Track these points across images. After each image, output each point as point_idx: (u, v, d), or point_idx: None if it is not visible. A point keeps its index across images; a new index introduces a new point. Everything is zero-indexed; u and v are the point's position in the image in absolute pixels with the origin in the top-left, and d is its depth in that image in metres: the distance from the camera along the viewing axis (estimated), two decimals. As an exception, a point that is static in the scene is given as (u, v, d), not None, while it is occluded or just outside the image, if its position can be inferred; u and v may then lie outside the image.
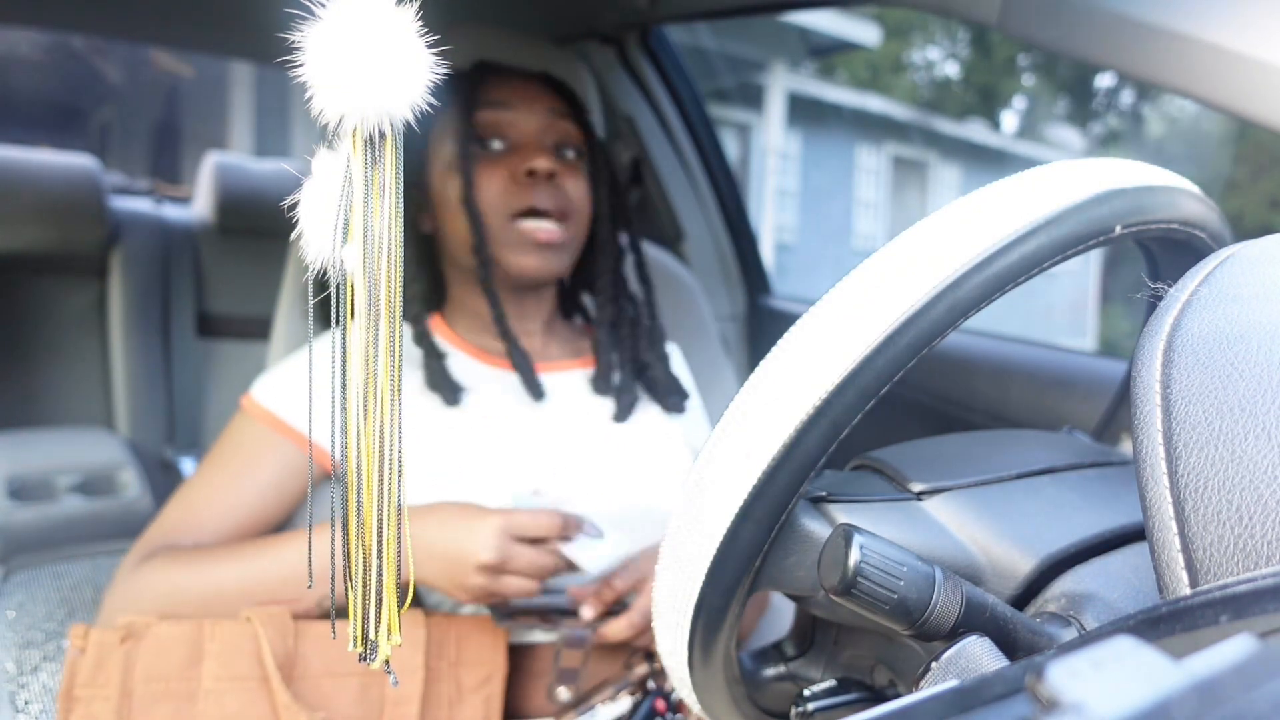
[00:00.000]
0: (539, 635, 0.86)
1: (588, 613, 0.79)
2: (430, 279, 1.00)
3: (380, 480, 0.38)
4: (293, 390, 0.88)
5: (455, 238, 0.92)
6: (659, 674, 0.83)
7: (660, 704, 0.79)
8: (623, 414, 0.94)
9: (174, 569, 0.78)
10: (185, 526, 0.83)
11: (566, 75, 1.04)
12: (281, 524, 0.88)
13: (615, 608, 0.81)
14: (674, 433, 0.98)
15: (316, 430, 0.87)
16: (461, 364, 0.93)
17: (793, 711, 0.49)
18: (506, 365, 0.95)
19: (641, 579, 0.81)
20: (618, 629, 0.79)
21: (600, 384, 0.95)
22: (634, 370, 0.98)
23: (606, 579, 0.81)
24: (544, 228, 0.89)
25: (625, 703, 0.81)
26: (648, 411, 0.98)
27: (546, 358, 0.98)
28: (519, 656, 0.85)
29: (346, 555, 0.39)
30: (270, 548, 0.79)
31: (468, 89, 0.91)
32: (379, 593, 0.39)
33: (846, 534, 0.38)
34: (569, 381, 0.97)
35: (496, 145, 0.91)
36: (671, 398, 0.98)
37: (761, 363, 0.41)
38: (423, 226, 0.96)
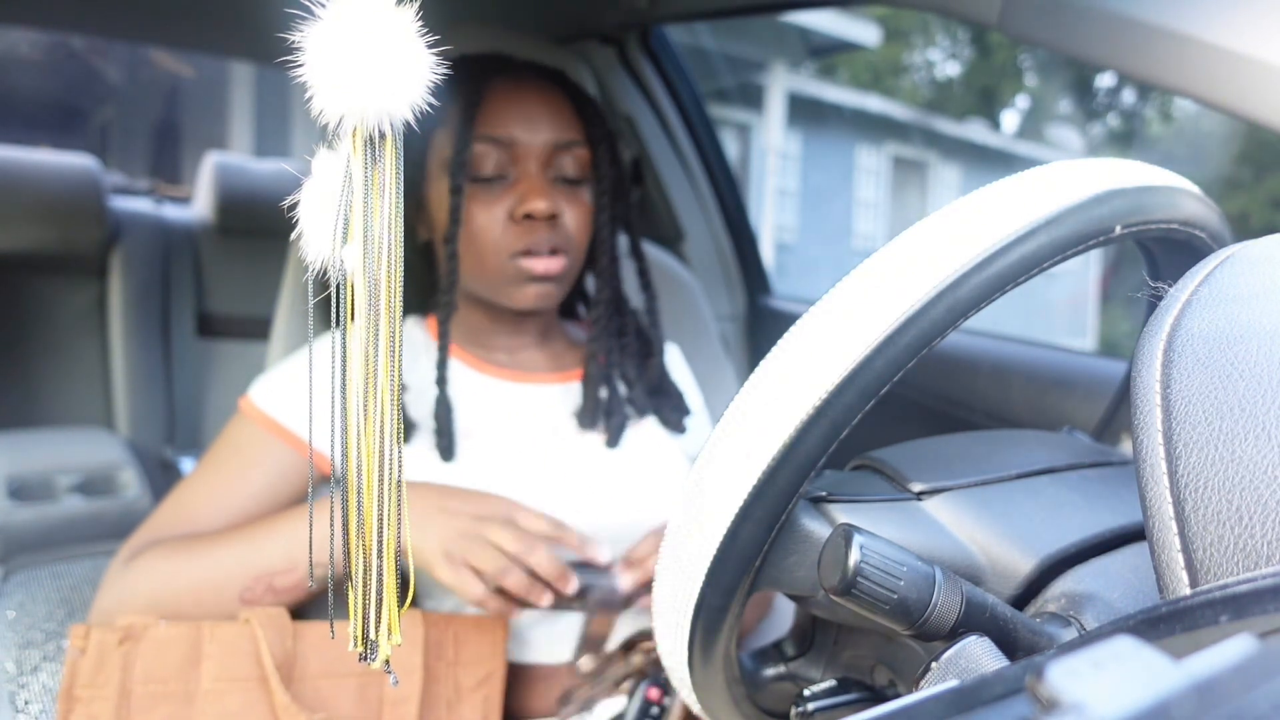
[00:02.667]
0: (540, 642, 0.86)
1: (626, 581, 0.77)
2: (425, 283, 0.98)
3: (380, 480, 0.38)
4: (290, 393, 0.88)
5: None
6: (654, 663, 0.82)
7: (653, 692, 0.79)
8: (613, 439, 0.91)
9: (165, 560, 0.78)
10: (178, 526, 0.83)
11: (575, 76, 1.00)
12: None
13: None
14: (671, 448, 0.96)
15: (316, 432, 0.87)
16: (453, 370, 0.92)
17: (793, 711, 0.49)
18: (499, 373, 0.93)
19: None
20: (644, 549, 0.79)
21: (586, 419, 0.91)
22: (641, 389, 0.95)
23: (630, 553, 0.80)
24: (541, 261, 0.86)
25: (621, 699, 0.81)
26: (642, 429, 0.95)
27: (538, 369, 0.96)
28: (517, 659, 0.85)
29: (347, 555, 0.39)
30: (261, 530, 0.78)
31: (474, 82, 0.86)
32: (379, 592, 0.39)
33: (846, 534, 0.38)
34: (561, 396, 0.94)
35: (494, 177, 0.86)
36: (673, 415, 0.95)
37: (761, 363, 0.41)
38: (420, 236, 0.93)
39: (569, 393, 0.95)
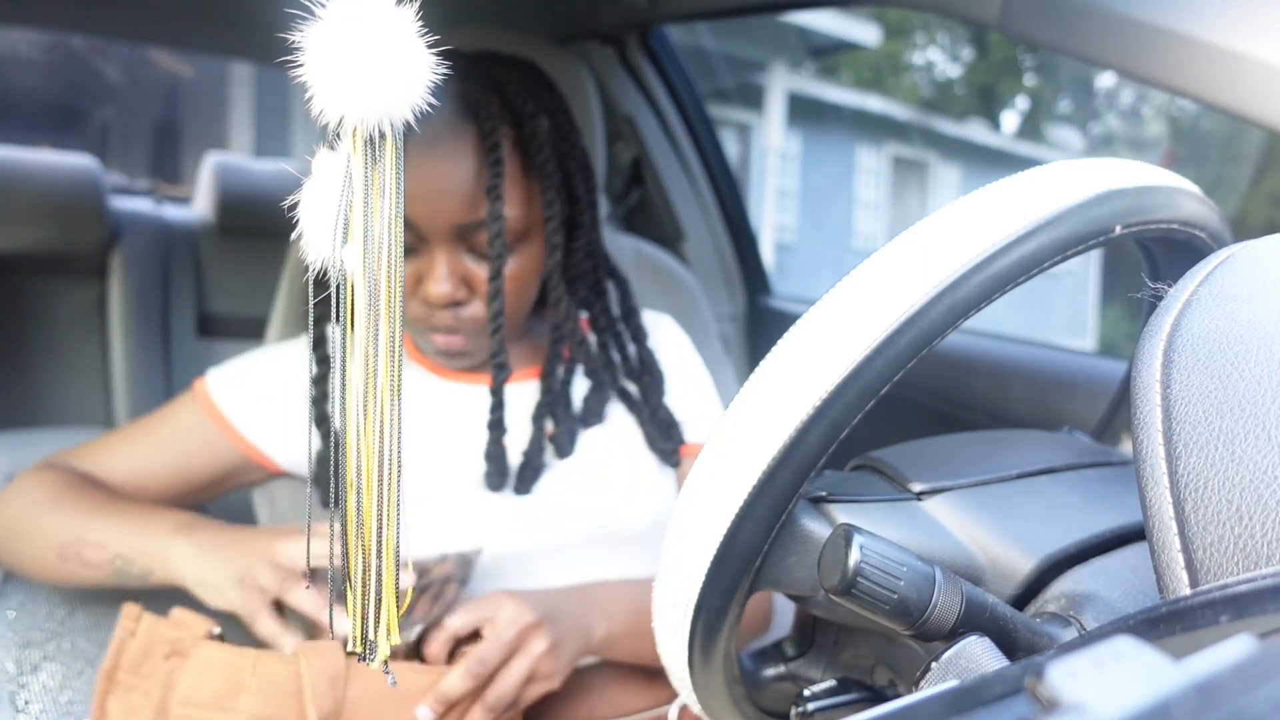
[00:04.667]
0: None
1: (425, 714, 0.71)
2: None
3: (380, 480, 0.38)
4: (246, 390, 0.88)
5: None
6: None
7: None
8: (563, 449, 0.87)
9: (45, 487, 0.81)
10: (86, 459, 0.86)
11: (557, 69, 0.95)
12: (180, 501, 0.88)
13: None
14: (637, 454, 0.91)
15: (269, 431, 0.88)
16: (418, 378, 0.91)
17: (793, 711, 0.49)
18: (461, 377, 0.90)
19: (481, 622, 0.74)
20: (453, 684, 0.70)
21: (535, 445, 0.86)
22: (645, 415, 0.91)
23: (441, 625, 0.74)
24: (442, 337, 0.82)
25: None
26: (612, 430, 0.91)
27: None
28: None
29: (346, 556, 0.39)
30: (106, 510, 0.79)
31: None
32: (378, 593, 0.39)
33: (846, 534, 0.38)
34: (529, 393, 0.91)
35: (407, 249, 0.79)
36: (661, 444, 0.90)
37: (761, 363, 0.41)
38: None
39: (534, 390, 0.91)
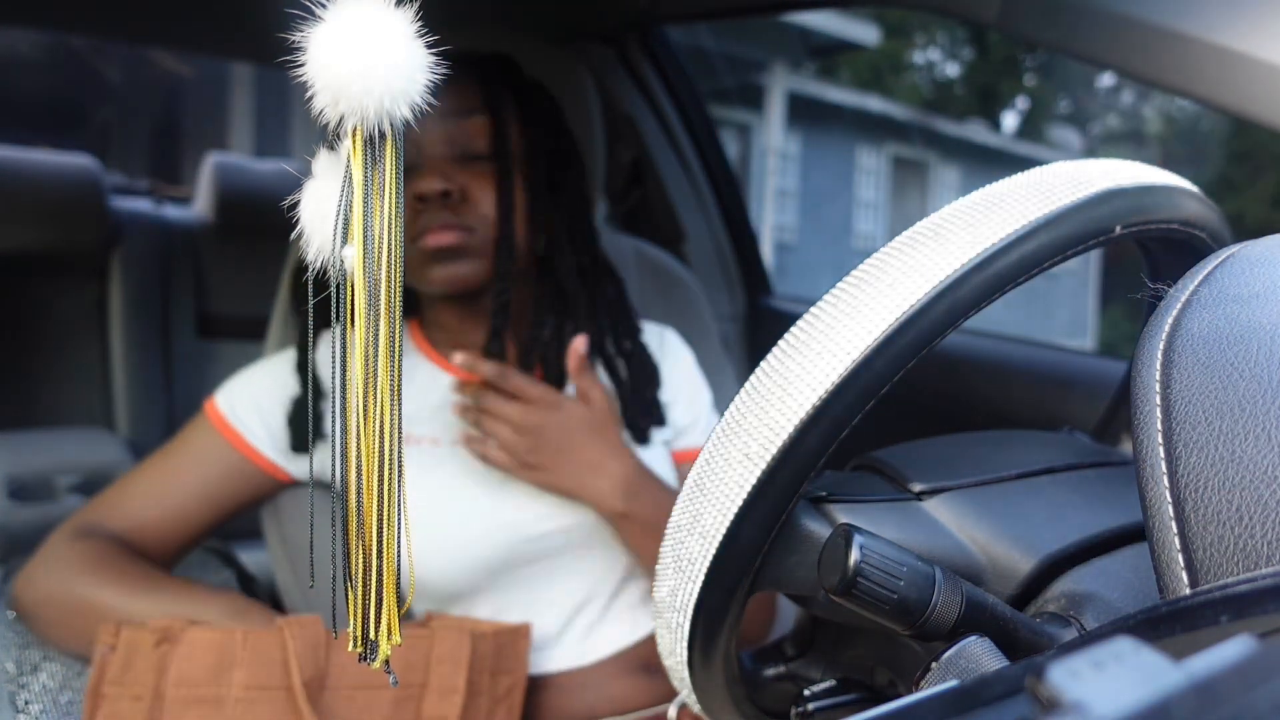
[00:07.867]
0: (560, 663, 0.86)
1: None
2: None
3: (380, 480, 0.38)
4: (253, 404, 0.88)
5: None
6: None
7: None
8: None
9: (97, 566, 0.79)
10: (116, 511, 0.85)
11: (553, 72, 0.98)
12: (215, 528, 0.89)
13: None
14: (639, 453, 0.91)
15: (277, 442, 0.88)
16: (425, 371, 0.91)
17: (793, 711, 0.49)
18: (471, 375, 0.90)
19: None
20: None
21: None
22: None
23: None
24: (433, 235, 0.82)
25: None
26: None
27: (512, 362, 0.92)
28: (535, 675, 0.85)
29: (347, 555, 0.39)
30: (171, 593, 0.79)
31: None
32: (379, 592, 0.39)
33: (846, 534, 0.38)
34: None
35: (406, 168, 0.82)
36: (643, 428, 0.91)
37: (761, 363, 0.41)
38: None
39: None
